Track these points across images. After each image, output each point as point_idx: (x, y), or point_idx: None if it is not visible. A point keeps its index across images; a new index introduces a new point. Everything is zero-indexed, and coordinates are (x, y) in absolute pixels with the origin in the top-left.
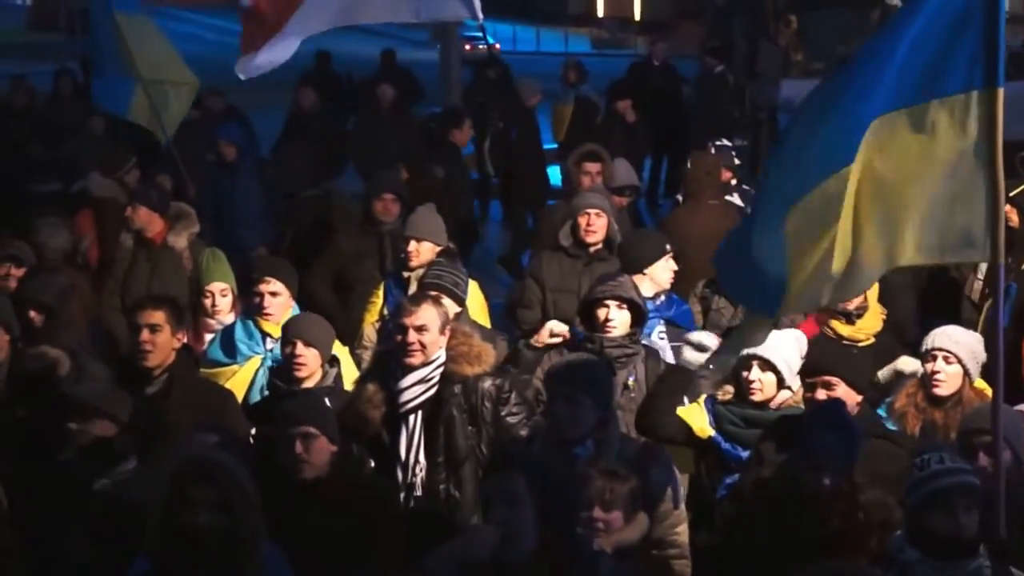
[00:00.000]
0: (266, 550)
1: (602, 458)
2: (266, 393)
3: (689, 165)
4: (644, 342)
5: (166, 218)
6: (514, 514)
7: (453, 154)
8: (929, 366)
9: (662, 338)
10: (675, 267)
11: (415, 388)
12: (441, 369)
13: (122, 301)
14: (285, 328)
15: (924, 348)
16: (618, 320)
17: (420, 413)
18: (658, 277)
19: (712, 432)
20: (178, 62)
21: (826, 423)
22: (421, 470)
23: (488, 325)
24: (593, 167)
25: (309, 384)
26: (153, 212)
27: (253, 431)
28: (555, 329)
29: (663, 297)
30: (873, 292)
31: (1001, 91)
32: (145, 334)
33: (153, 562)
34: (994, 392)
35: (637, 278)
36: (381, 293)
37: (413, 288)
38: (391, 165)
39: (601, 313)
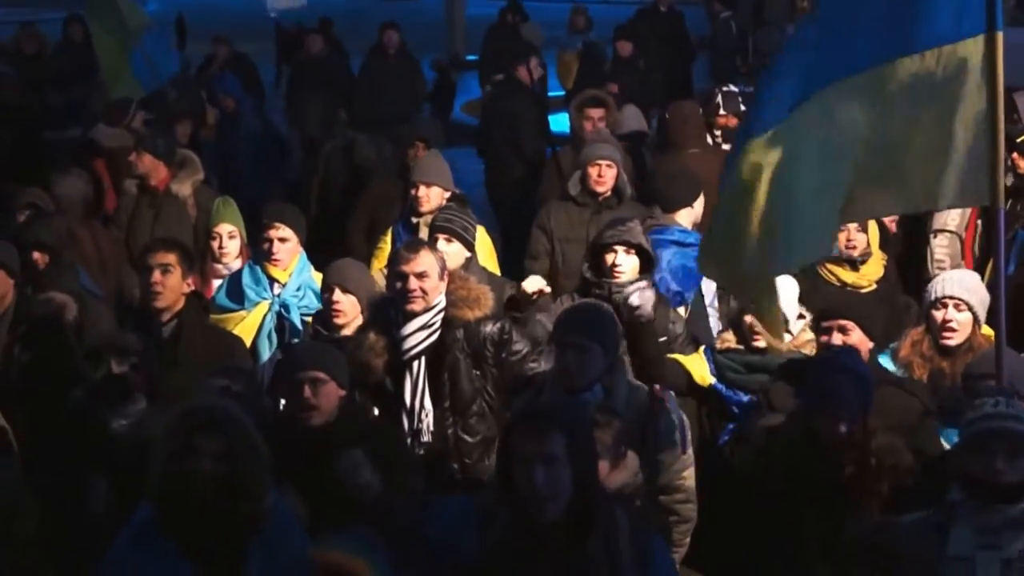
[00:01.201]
0: (272, 499)
1: (608, 403)
2: (275, 338)
3: (668, 115)
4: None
5: (171, 165)
6: (554, 474)
7: (519, 89)
8: (939, 315)
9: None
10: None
11: (417, 335)
12: (442, 314)
13: (126, 248)
14: (325, 275)
15: (932, 296)
16: (626, 265)
17: (423, 359)
18: (699, 209)
19: (712, 380)
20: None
21: (842, 370)
22: (427, 416)
23: (497, 271)
24: (595, 112)
25: (348, 331)
26: (158, 159)
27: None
28: (529, 288)
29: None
30: (875, 238)
31: (1001, 35)
32: (156, 275)
33: (156, 510)
34: (997, 337)
35: (681, 213)
36: (389, 239)
37: (422, 232)
38: (396, 111)
39: (609, 258)
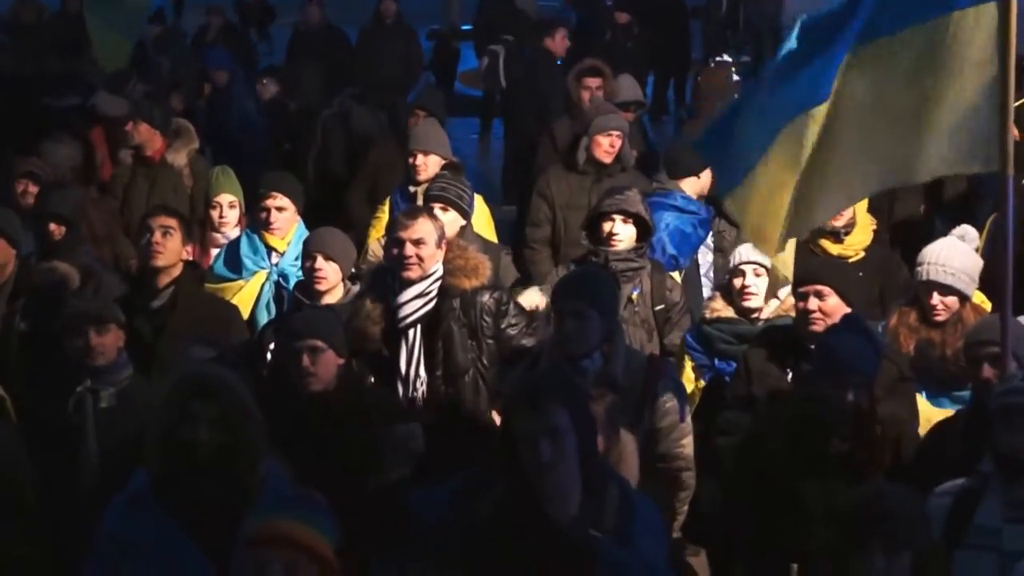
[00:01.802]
0: (266, 466)
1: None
2: (272, 307)
3: (699, 80)
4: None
5: (166, 135)
6: (559, 447)
7: (547, 59)
8: (927, 297)
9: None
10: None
11: (414, 302)
12: (439, 283)
13: (121, 218)
14: (306, 243)
15: (920, 279)
16: (623, 234)
17: (419, 327)
18: (705, 181)
19: (702, 383)
20: None
21: (850, 337)
22: (422, 384)
23: (494, 239)
24: (593, 82)
25: (330, 299)
26: (154, 129)
27: (272, 345)
28: (526, 304)
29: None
30: (861, 205)
31: (1015, 1)
32: (157, 235)
33: (152, 477)
34: (1002, 303)
35: (687, 181)
36: (387, 208)
37: (420, 202)
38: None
39: (606, 226)
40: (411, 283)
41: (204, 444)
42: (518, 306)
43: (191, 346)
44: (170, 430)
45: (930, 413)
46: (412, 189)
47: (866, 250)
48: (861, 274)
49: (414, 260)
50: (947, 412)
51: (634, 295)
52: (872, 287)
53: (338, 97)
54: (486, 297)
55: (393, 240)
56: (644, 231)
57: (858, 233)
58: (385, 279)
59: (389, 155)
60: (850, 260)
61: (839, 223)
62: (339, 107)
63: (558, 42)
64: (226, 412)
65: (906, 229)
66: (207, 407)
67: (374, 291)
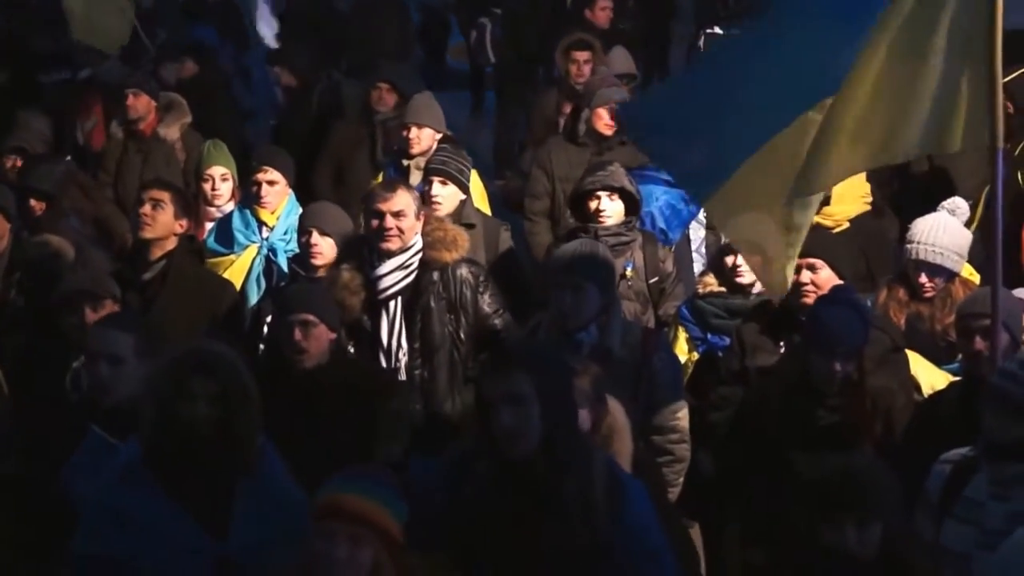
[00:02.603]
0: (260, 442)
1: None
2: (263, 281)
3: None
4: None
5: (157, 109)
6: (520, 414)
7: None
8: (915, 276)
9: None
10: None
11: (394, 275)
12: (419, 255)
13: (114, 193)
14: (301, 217)
15: (907, 256)
16: (610, 209)
17: (400, 300)
18: None
19: (695, 355)
20: None
21: (837, 307)
22: (404, 356)
23: (488, 213)
24: (581, 55)
25: (325, 273)
26: (152, 101)
27: (269, 318)
28: None
29: None
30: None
31: None
32: (147, 208)
33: (145, 450)
34: (992, 276)
35: None
36: (380, 181)
37: (413, 176)
38: (388, 55)
39: (592, 204)
40: (390, 255)
41: (202, 420)
42: (496, 286)
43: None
44: (168, 405)
45: (934, 378)
46: (405, 163)
47: (851, 221)
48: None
49: (394, 232)
50: (949, 377)
51: (627, 270)
52: (857, 258)
53: (327, 72)
54: (464, 269)
55: (372, 212)
56: (631, 204)
57: (840, 204)
58: (360, 250)
59: (353, 132)
60: (833, 231)
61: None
62: (329, 81)
63: (592, 15)
64: (225, 388)
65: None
66: (207, 383)
67: (350, 262)
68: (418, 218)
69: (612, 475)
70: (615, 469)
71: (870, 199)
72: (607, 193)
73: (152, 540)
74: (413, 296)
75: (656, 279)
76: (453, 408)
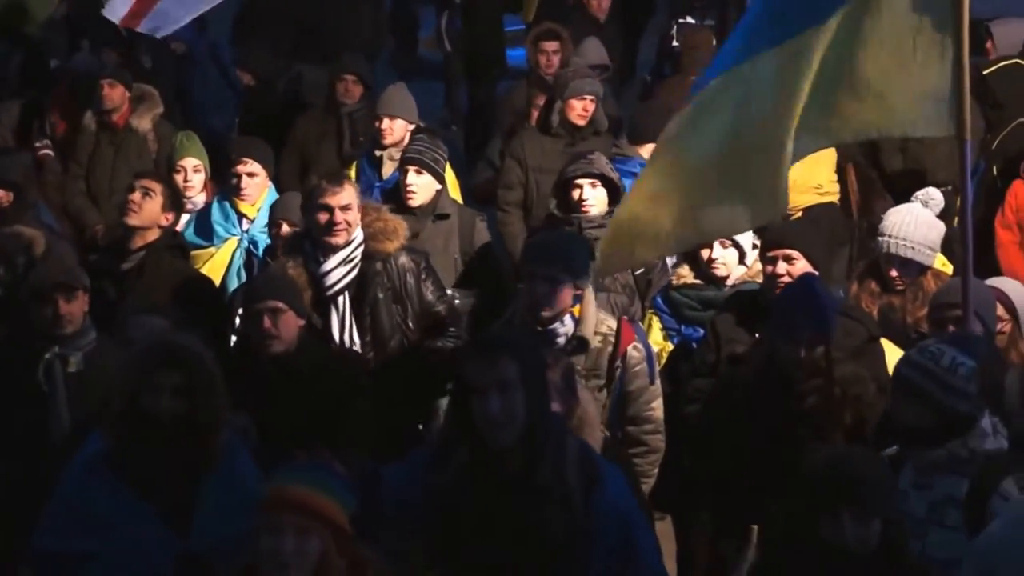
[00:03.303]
0: (226, 435)
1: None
2: (243, 274)
3: (685, 41)
4: None
5: (129, 100)
6: (508, 400)
7: (589, 19)
8: (887, 269)
9: None
10: None
11: (339, 270)
12: (361, 248)
13: (86, 185)
14: (271, 209)
15: (879, 249)
16: (593, 198)
17: (348, 294)
18: None
19: (670, 345)
20: None
21: (800, 293)
22: (356, 349)
23: (461, 202)
24: (550, 46)
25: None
26: (127, 93)
27: (241, 310)
28: None
29: None
30: (796, 167)
31: None
32: (136, 195)
33: (110, 442)
34: (963, 267)
35: (647, 147)
36: (353, 173)
37: (387, 166)
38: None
39: (575, 193)
40: (335, 250)
41: (166, 412)
42: (435, 272)
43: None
44: (133, 399)
45: None
46: (378, 153)
47: (804, 210)
48: None
49: (343, 226)
50: None
51: None
52: None
53: (290, 65)
54: (405, 258)
55: (320, 207)
56: (614, 193)
57: (792, 192)
58: (303, 246)
59: (317, 124)
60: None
61: None
62: (293, 73)
63: (595, 3)
64: (191, 381)
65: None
66: (172, 377)
67: (295, 258)
68: (359, 211)
69: (588, 461)
70: (591, 454)
71: (823, 189)
72: (589, 181)
73: (114, 534)
74: (360, 289)
75: (642, 270)
76: (409, 399)
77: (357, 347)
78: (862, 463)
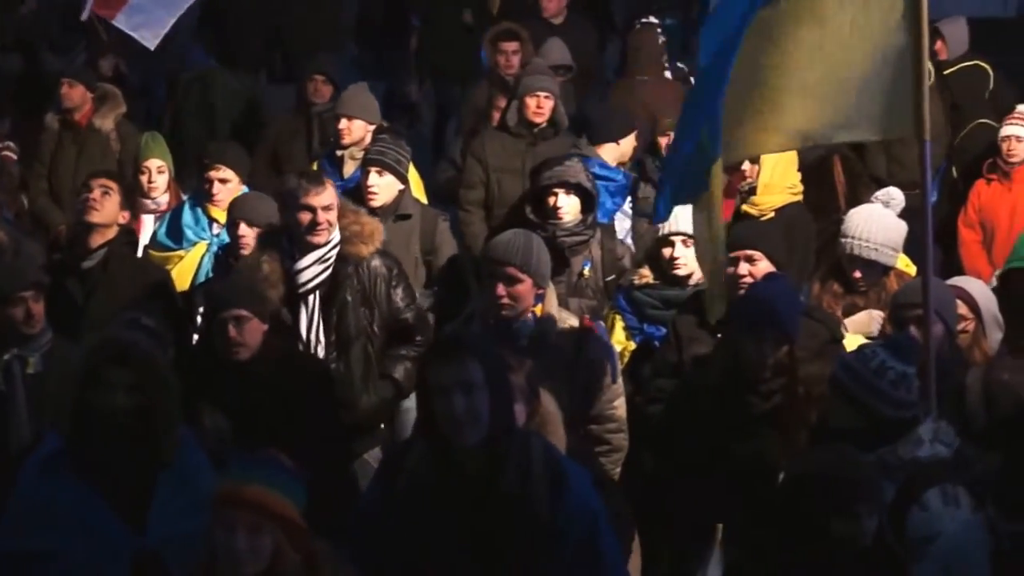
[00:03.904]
0: (181, 432)
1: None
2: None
3: (629, 42)
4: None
5: (92, 99)
6: (472, 401)
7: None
8: (851, 270)
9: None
10: (635, 143)
11: (313, 268)
12: (337, 249)
13: (48, 184)
14: (229, 209)
15: (842, 250)
16: (567, 206)
17: (318, 293)
18: (625, 148)
19: (633, 344)
20: None
21: (766, 294)
22: (322, 349)
23: (424, 202)
24: (509, 46)
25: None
26: (88, 92)
27: (202, 309)
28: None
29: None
30: (775, 167)
31: None
32: (96, 193)
33: (65, 441)
34: (924, 266)
35: (606, 147)
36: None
37: (348, 166)
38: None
39: (550, 201)
40: (312, 248)
41: (119, 410)
42: (406, 279)
43: (123, 311)
44: (87, 395)
45: None
46: (339, 153)
47: (776, 211)
48: None
49: (324, 226)
50: None
51: (585, 270)
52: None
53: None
54: (376, 262)
55: (302, 206)
56: (588, 200)
57: (767, 194)
58: (279, 241)
59: (289, 123)
60: (762, 219)
61: (741, 185)
62: (200, 71)
63: (553, 4)
64: (141, 378)
65: None
66: (122, 373)
67: (270, 253)
68: (338, 211)
69: (553, 461)
70: (556, 455)
71: (797, 189)
72: (563, 189)
73: (71, 533)
74: (330, 290)
75: (613, 276)
76: (368, 402)
77: (322, 346)
78: (858, 463)
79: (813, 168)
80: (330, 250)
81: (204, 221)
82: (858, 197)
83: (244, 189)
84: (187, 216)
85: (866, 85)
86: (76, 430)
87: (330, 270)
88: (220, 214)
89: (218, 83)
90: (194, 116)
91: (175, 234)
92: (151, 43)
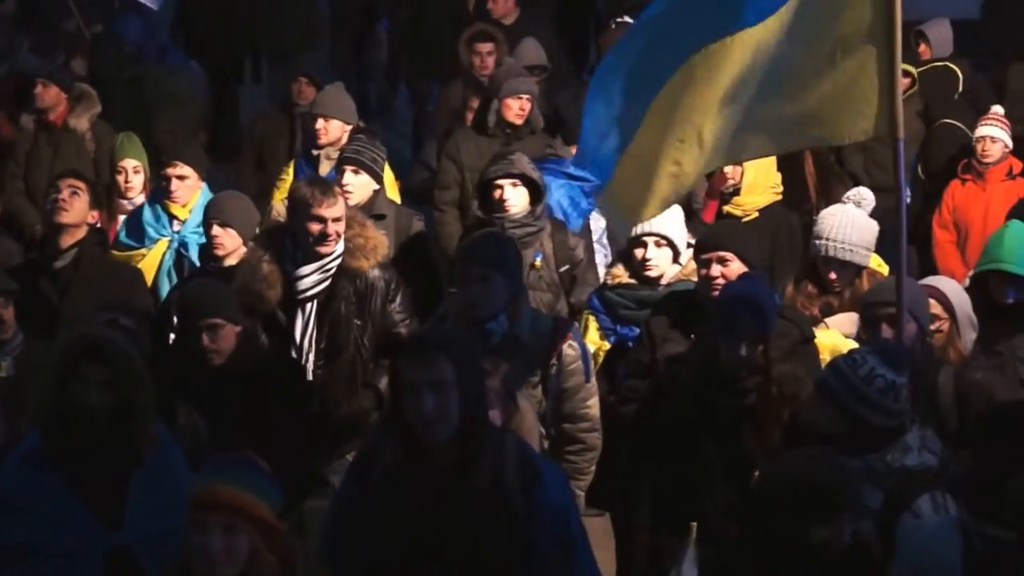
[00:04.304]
0: (157, 430)
1: (514, 332)
2: (173, 275)
3: (603, 42)
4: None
5: (68, 99)
6: (442, 399)
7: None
8: (825, 272)
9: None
10: None
11: (313, 277)
12: (339, 261)
13: (25, 184)
14: (205, 209)
15: (815, 251)
16: (514, 198)
17: (316, 301)
18: None
19: (607, 344)
20: None
21: (741, 293)
22: (312, 355)
23: (399, 202)
24: (484, 47)
25: (232, 261)
26: (63, 92)
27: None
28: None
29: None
30: (758, 168)
31: None
32: (64, 194)
33: (43, 438)
34: (897, 265)
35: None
36: (291, 171)
37: (323, 165)
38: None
39: (496, 193)
40: (317, 258)
41: (94, 406)
42: (406, 293)
43: (99, 311)
44: (60, 391)
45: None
46: (315, 152)
47: (760, 211)
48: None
49: (334, 237)
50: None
51: (537, 261)
52: (764, 247)
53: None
54: (375, 273)
55: (313, 216)
56: (536, 192)
57: (750, 194)
58: (283, 241)
59: (274, 123)
60: (744, 220)
61: (724, 186)
62: (134, 71)
63: (500, 5)
64: (117, 374)
65: None
66: (97, 369)
67: (272, 252)
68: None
69: (526, 460)
70: (530, 453)
71: (779, 189)
72: (510, 181)
73: (46, 530)
74: (327, 300)
75: (567, 267)
76: (347, 411)
77: (313, 352)
78: (843, 469)
79: (784, 161)
80: (332, 260)
81: (164, 218)
82: (829, 189)
83: (203, 186)
84: (147, 214)
85: (835, 86)
86: (52, 425)
87: (328, 281)
88: (179, 210)
89: (149, 78)
90: (125, 115)
91: (136, 233)
92: (155, 4)
